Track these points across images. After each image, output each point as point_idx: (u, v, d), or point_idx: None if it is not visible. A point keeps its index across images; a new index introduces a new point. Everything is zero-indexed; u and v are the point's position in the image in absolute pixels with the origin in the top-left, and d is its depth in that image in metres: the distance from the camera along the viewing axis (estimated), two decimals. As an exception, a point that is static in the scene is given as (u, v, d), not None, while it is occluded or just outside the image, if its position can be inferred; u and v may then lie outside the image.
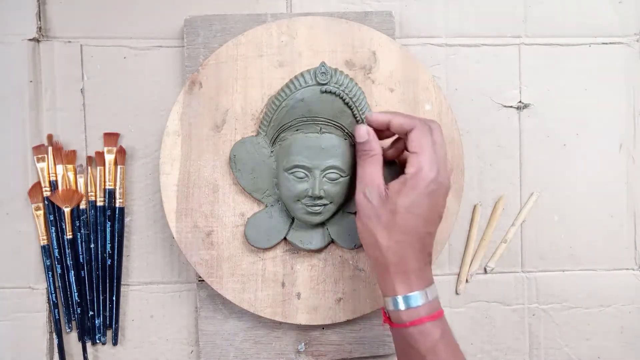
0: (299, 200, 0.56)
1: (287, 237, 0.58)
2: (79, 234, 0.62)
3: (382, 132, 0.53)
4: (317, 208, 0.56)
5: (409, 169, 0.50)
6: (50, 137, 0.62)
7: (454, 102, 0.63)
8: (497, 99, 0.65)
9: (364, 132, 0.53)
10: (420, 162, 0.49)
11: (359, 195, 0.52)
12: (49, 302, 0.62)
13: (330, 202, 0.56)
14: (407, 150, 0.51)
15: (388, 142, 0.55)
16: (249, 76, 0.59)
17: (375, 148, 0.53)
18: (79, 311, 0.62)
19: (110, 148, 0.62)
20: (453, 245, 0.65)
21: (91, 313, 0.62)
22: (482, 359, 0.65)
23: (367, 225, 0.51)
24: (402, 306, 0.49)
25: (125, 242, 0.63)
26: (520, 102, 0.66)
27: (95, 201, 0.62)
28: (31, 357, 0.62)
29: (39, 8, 0.62)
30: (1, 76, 0.62)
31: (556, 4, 0.66)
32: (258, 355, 0.61)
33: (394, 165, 0.56)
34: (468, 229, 0.65)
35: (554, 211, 0.66)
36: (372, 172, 0.52)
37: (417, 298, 0.49)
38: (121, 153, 0.62)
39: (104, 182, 0.62)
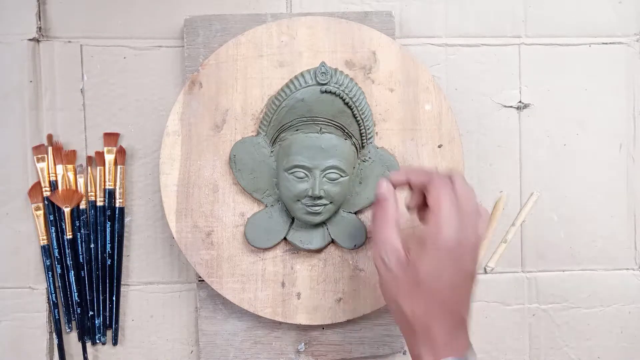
0: (299, 200, 0.56)
1: (287, 237, 0.58)
2: (79, 234, 0.62)
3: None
4: (317, 208, 0.56)
5: (429, 229, 0.46)
6: (50, 137, 0.62)
7: (454, 102, 0.63)
8: (497, 99, 0.65)
9: (384, 189, 0.49)
10: (439, 221, 0.46)
11: (376, 260, 0.48)
12: (49, 302, 0.62)
13: (330, 202, 0.56)
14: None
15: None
16: (249, 76, 0.59)
17: (391, 208, 0.49)
18: (79, 311, 0.62)
19: (110, 148, 0.62)
20: (453, 245, 0.65)
21: (91, 313, 0.62)
22: (482, 359, 0.65)
23: (389, 292, 0.48)
24: None
25: (125, 242, 0.63)
26: (520, 102, 0.66)
27: (95, 201, 0.62)
28: (31, 357, 0.62)
29: (39, 8, 0.62)
30: (1, 76, 0.62)
31: (556, 4, 0.66)
32: (258, 355, 0.61)
33: None
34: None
35: (554, 211, 0.66)
36: (389, 234, 0.48)
37: None
38: (121, 153, 0.62)
39: (104, 182, 0.62)
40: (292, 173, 0.56)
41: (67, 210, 0.61)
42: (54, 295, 0.62)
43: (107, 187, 0.62)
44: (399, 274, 0.47)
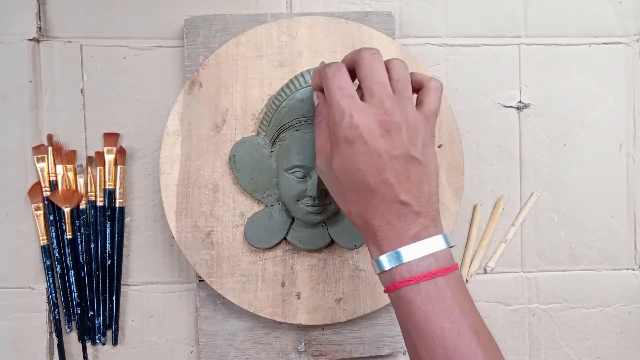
0: (298, 200, 0.56)
1: (287, 237, 0.58)
2: (79, 234, 0.62)
3: None
4: (317, 208, 0.56)
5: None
6: (50, 137, 0.62)
7: (454, 102, 0.63)
8: (497, 99, 0.65)
9: (314, 97, 0.50)
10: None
11: (316, 167, 0.49)
12: (49, 302, 0.62)
13: (330, 202, 0.56)
14: None
15: None
16: (249, 76, 0.59)
17: (322, 113, 0.48)
18: (79, 311, 0.61)
19: (110, 148, 0.62)
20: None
21: (91, 313, 0.62)
22: (482, 359, 0.65)
23: (331, 193, 0.48)
24: (385, 266, 0.44)
25: (125, 242, 0.63)
26: (520, 102, 0.66)
27: (95, 201, 0.62)
28: (31, 357, 0.62)
29: (39, 8, 0.62)
30: (1, 76, 0.62)
31: (556, 4, 0.66)
32: (258, 355, 0.61)
33: None
34: (468, 229, 0.65)
35: (554, 211, 0.66)
36: (321, 139, 0.47)
37: (387, 261, 0.43)
38: (121, 153, 0.62)
39: (104, 182, 0.62)
40: (291, 173, 0.56)
41: (67, 210, 0.61)
42: (54, 295, 0.62)
43: (107, 187, 0.62)
44: (327, 173, 0.46)
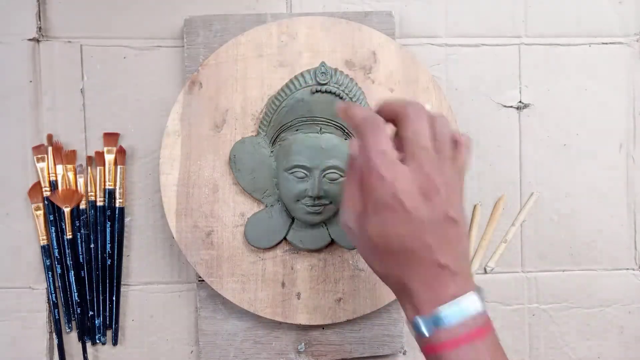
0: (299, 200, 0.56)
1: (287, 237, 0.58)
2: (79, 234, 0.62)
3: None
4: (317, 208, 0.56)
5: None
6: (50, 137, 0.62)
7: (454, 102, 0.63)
8: (497, 99, 0.65)
9: (355, 146, 0.44)
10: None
11: (341, 219, 0.46)
12: (49, 302, 0.62)
13: (330, 202, 0.56)
14: None
15: None
16: (249, 76, 0.59)
17: (356, 169, 0.45)
18: (79, 311, 0.61)
19: (110, 148, 0.62)
20: (453, 245, 0.65)
21: (91, 313, 0.62)
22: (482, 359, 0.65)
23: (360, 252, 0.46)
24: (423, 329, 0.42)
25: (125, 242, 0.63)
26: (520, 102, 0.66)
27: (95, 201, 0.62)
28: (31, 357, 0.62)
29: (39, 8, 0.62)
30: (1, 76, 0.62)
31: (556, 4, 0.66)
32: (258, 355, 0.61)
33: None
34: (468, 229, 0.65)
35: (554, 211, 0.66)
36: (352, 196, 0.44)
37: (425, 323, 0.42)
38: (121, 153, 0.62)
39: (104, 182, 0.62)
40: (292, 173, 0.56)
41: (67, 210, 0.61)
42: (54, 295, 0.62)
43: (107, 187, 0.62)
44: (356, 231, 0.44)
